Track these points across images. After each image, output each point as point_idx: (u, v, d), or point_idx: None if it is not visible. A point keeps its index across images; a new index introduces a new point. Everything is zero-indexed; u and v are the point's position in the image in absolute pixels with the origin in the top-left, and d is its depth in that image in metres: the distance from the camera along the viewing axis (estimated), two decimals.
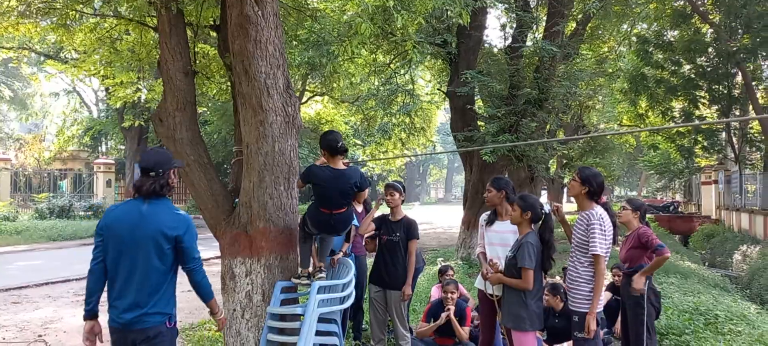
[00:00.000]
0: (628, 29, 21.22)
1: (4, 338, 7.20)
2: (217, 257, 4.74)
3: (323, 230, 5.09)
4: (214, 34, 7.21)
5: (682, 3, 20.15)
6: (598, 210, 4.29)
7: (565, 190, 27.85)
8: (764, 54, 19.52)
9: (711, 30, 20.48)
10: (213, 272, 6.64)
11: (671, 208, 27.59)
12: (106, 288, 3.49)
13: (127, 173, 26.02)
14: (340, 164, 4.91)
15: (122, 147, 29.80)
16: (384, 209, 5.59)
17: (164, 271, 3.40)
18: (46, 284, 10.98)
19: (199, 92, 6.66)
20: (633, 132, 25.06)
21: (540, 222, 4.39)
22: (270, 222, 5.19)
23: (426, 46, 9.70)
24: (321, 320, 4.90)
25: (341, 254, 5.72)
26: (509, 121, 10.64)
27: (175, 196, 32.72)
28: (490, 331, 5.07)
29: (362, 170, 5.28)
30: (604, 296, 6.44)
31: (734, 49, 19.37)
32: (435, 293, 6.87)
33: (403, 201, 5.59)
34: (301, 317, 4.95)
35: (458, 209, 42.46)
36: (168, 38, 5.57)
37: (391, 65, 13.05)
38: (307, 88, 19.40)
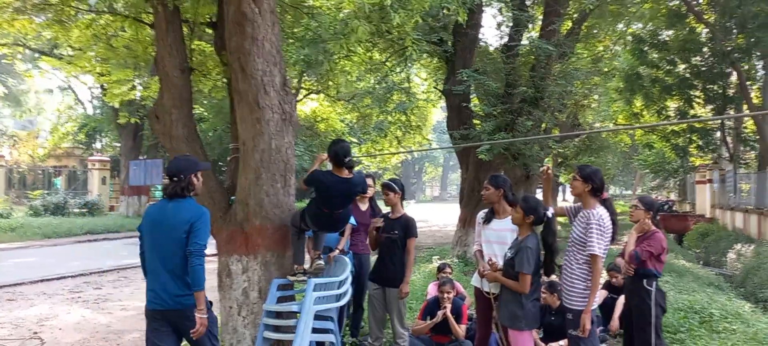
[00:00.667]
0: (624, 28, 21.29)
1: None
2: (213, 255, 4.74)
3: (323, 227, 5.11)
4: (209, 30, 7.19)
5: (677, 2, 20.20)
6: (599, 210, 4.29)
7: (560, 188, 27.93)
8: (759, 54, 19.61)
9: (706, 30, 20.55)
10: (209, 269, 6.64)
11: (666, 207, 27.65)
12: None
13: (122, 170, 25.91)
14: (344, 174, 4.91)
15: (117, 144, 29.67)
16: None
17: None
18: (42, 281, 10.95)
19: (194, 89, 6.64)
20: (630, 129, 25.17)
21: (542, 225, 4.37)
22: (266, 219, 5.19)
23: (424, 44, 9.70)
24: (317, 317, 4.90)
25: (337, 251, 5.72)
26: (505, 120, 10.64)
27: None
28: (486, 328, 5.08)
29: (365, 173, 5.28)
30: (600, 295, 6.46)
31: (729, 48, 19.45)
32: (432, 290, 6.87)
33: (403, 199, 5.58)
34: (298, 314, 4.94)
35: (453, 206, 42.45)
36: (164, 35, 5.55)
37: (387, 63, 13.04)
38: (302, 85, 19.34)
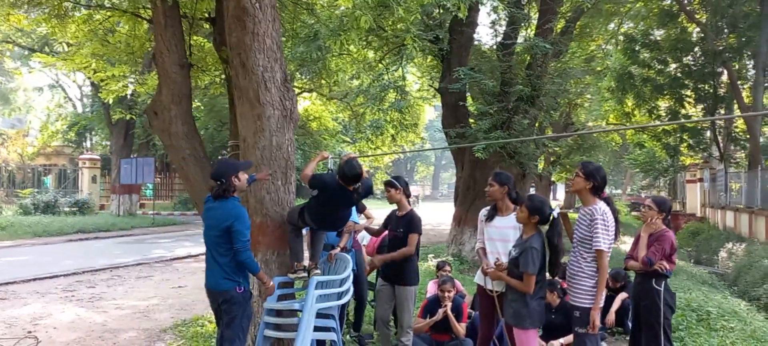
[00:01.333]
0: (616, 28, 21.41)
1: None
2: None
3: (322, 226, 5.06)
4: (207, 26, 7.13)
5: (669, 2, 20.32)
6: (602, 206, 4.27)
7: (553, 187, 28.04)
8: (749, 54, 19.77)
9: (697, 29, 20.69)
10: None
11: None
12: None
13: (112, 168, 25.69)
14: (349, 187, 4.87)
15: (107, 143, 29.43)
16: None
17: (228, 249, 4.38)
18: (34, 279, 10.81)
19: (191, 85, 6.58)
20: (625, 129, 25.27)
21: (547, 225, 4.33)
22: (267, 217, 5.16)
23: (424, 41, 9.67)
24: (318, 315, 4.86)
25: (339, 249, 5.69)
26: (501, 118, 10.64)
27: (160, 191, 32.48)
28: (489, 327, 5.05)
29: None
30: None
31: (720, 48, 19.58)
32: (431, 288, 6.85)
33: (408, 196, 5.52)
34: (298, 313, 4.90)
35: (445, 206, 42.50)
36: (163, 30, 5.50)
37: (383, 61, 13.01)
38: (295, 84, 19.28)
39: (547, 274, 4.43)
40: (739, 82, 20.15)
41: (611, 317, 6.81)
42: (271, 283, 4.62)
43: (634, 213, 29.85)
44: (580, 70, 13.84)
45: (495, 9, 12.57)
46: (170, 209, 30.05)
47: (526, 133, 10.64)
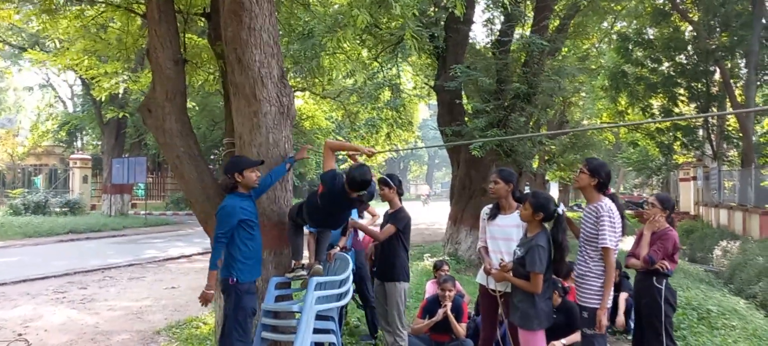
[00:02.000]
0: (609, 27, 21.43)
1: None
2: (207, 252, 4.60)
3: (322, 225, 4.95)
4: (201, 23, 7.01)
5: (662, 1, 20.36)
6: (607, 203, 4.18)
7: (547, 185, 28.04)
8: (742, 52, 19.83)
9: (690, 28, 20.74)
10: (204, 268, 6.45)
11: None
12: None
13: (104, 168, 25.45)
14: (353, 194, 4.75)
15: (98, 143, 29.18)
16: None
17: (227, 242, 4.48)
18: (24, 281, 10.66)
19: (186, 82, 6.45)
20: (621, 126, 25.29)
21: (552, 222, 4.24)
22: (263, 216, 5.03)
23: (424, 38, 9.57)
24: (318, 317, 4.75)
25: (338, 248, 5.59)
26: (498, 116, 10.58)
27: (153, 191, 32.25)
28: (492, 328, 4.95)
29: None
30: None
31: (713, 47, 19.64)
32: (430, 288, 6.75)
33: (401, 194, 5.45)
34: (297, 314, 4.79)
35: (438, 205, 42.44)
36: (157, 25, 5.37)
37: (378, 59, 12.92)
38: (288, 82, 19.14)
39: (554, 275, 4.35)
40: (731, 81, 20.23)
41: (621, 319, 6.68)
42: (210, 292, 4.41)
43: (627, 211, 29.90)
44: (575, 68, 13.80)
45: (489, 6, 12.51)
46: (162, 209, 29.86)
47: (522, 132, 10.58)
